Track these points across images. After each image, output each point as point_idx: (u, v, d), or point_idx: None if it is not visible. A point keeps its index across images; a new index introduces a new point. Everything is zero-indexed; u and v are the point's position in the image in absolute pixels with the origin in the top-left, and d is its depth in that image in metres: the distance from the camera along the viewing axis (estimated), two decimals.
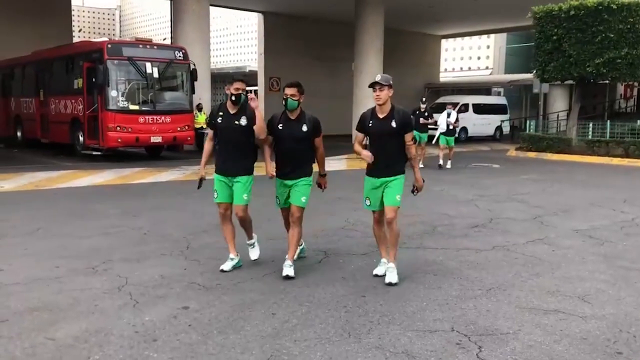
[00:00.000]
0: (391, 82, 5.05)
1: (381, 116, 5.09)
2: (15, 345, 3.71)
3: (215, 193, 5.48)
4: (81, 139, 15.98)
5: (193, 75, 16.29)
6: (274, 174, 5.37)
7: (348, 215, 8.28)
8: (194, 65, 16.38)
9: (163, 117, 15.62)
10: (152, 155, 17.07)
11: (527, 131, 21.88)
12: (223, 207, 5.51)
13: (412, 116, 14.15)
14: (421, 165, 13.64)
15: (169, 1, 19.99)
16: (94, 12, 68.09)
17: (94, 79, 15.00)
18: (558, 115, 28.07)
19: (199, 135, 18.30)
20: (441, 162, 15.40)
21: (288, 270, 5.23)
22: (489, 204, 9.58)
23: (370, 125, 5.14)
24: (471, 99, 27.50)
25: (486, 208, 9.21)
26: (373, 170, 5.18)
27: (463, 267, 5.72)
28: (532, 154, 19.67)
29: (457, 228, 7.66)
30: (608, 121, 21.40)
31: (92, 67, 15.19)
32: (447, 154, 15.51)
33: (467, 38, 41.03)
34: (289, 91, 5.22)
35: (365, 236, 6.97)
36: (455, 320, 4.27)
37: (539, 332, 4.06)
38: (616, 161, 17.58)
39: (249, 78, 39.00)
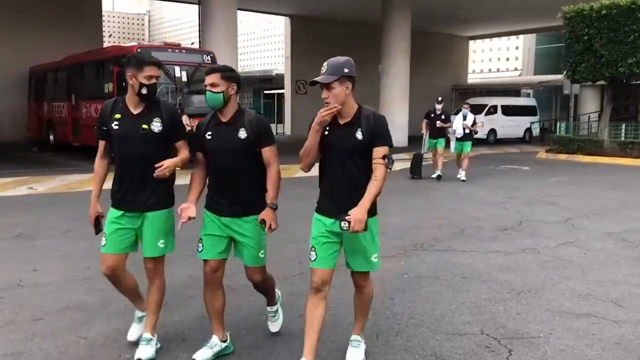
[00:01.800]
0: (348, 70, 3.21)
1: (342, 121, 3.29)
2: (49, 343, 3.78)
3: (104, 240, 3.64)
4: None
5: None
6: (191, 216, 3.47)
7: None
8: None
9: (192, 120, 15.74)
10: None
11: (558, 133, 21.57)
12: (112, 261, 3.62)
13: (426, 119, 12.87)
14: (438, 172, 13.02)
15: (197, 6, 20.16)
16: (123, 17, 69.17)
17: (124, 83, 15.19)
18: (589, 116, 27.55)
19: None
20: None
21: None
22: (519, 206, 9.45)
23: (325, 134, 3.29)
24: (500, 101, 27.19)
25: (515, 210, 9.08)
26: (326, 204, 3.35)
27: (492, 270, 5.65)
28: (562, 156, 19.35)
29: (486, 230, 7.57)
30: None
31: (122, 71, 15.40)
32: (459, 160, 13.25)
33: (495, 39, 40.56)
34: (207, 79, 3.46)
35: (392, 238, 6.94)
36: (484, 323, 4.22)
37: (570, 336, 3.99)
38: None
39: (276, 81, 38.99)
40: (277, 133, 30.87)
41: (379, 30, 23.72)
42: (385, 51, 23.38)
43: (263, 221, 3.47)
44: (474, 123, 13.14)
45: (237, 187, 3.53)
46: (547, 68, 37.05)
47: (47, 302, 4.59)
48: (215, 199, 3.57)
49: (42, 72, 20.61)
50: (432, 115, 13.04)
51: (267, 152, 3.54)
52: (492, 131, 25.95)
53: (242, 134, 3.47)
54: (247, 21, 50.49)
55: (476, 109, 26.10)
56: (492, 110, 26.08)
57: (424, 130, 13.46)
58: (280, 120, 32.06)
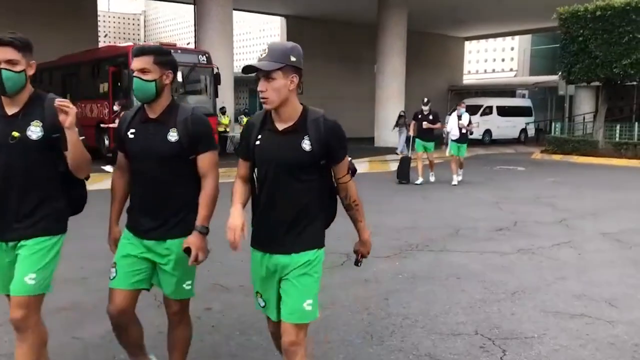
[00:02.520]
0: (295, 59, 2.48)
1: (281, 126, 2.53)
2: None
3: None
4: (107, 142, 16.20)
5: (216, 79, 16.44)
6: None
7: (371, 218, 8.22)
8: (218, 69, 16.52)
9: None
10: None
11: (553, 134, 21.63)
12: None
13: (414, 120, 12.19)
14: (432, 179, 12.49)
15: (193, 6, 20.15)
16: (119, 17, 69.04)
17: (119, 83, 15.21)
18: (584, 117, 27.66)
19: (223, 138, 18.46)
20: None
21: None
22: (514, 207, 9.47)
23: (257, 144, 2.56)
24: (495, 101, 27.27)
25: (510, 211, 9.11)
26: (260, 235, 2.63)
27: (487, 270, 5.67)
28: (557, 157, 19.42)
29: (481, 231, 7.59)
30: (636, 123, 21.04)
31: (117, 71, 15.41)
32: (455, 164, 12.40)
33: (491, 40, 40.70)
34: (137, 63, 2.71)
35: (388, 239, 6.95)
36: (479, 323, 4.23)
37: (564, 337, 4.00)
38: None
39: None
40: None
41: (374, 30, 23.76)
42: (380, 51, 23.42)
43: (187, 249, 2.71)
44: (470, 123, 12.37)
45: (164, 203, 2.79)
46: (542, 69, 37.19)
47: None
48: (136, 216, 2.86)
49: (37, 72, 20.37)
50: (420, 116, 12.34)
51: (203, 161, 2.78)
52: (488, 132, 26.02)
53: (173, 135, 2.72)
54: (243, 21, 50.45)
55: (472, 110, 26.13)
56: (488, 110, 26.16)
57: (411, 132, 12.76)
58: None
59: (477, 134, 25.38)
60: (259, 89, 2.47)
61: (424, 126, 12.10)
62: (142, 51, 2.73)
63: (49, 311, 4.36)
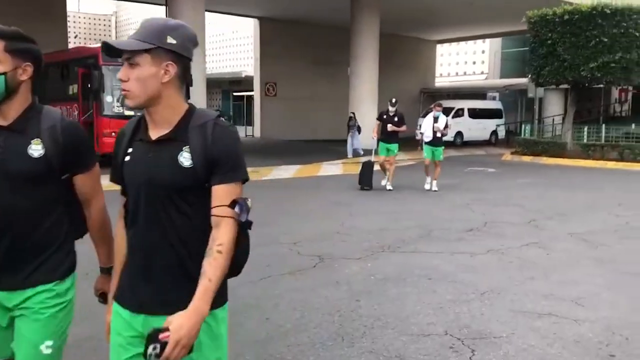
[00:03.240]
0: (175, 40, 1.78)
1: (155, 134, 1.83)
2: None
3: None
4: None
5: (188, 81, 16.30)
6: None
7: (344, 220, 8.28)
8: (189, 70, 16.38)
9: None
10: None
11: (523, 135, 21.97)
12: None
13: (378, 121, 11.61)
14: (389, 188, 11.57)
15: (164, 7, 19.98)
16: (90, 18, 68.10)
17: (89, 85, 15.00)
18: (553, 119, 28.17)
19: None
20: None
21: None
22: (485, 208, 9.59)
23: (126, 160, 1.90)
24: (467, 104, 27.60)
25: (481, 212, 9.22)
26: (126, 288, 1.89)
27: (458, 271, 5.72)
28: (527, 158, 19.73)
29: (453, 232, 7.67)
30: (603, 125, 21.53)
31: (87, 72, 15.19)
32: (432, 169, 11.58)
33: (462, 43, 41.16)
34: None
35: (360, 240, 6.98)
36: (449, 324, 4.27)
37: (532, 336, 4.07)
38: (611, 165, 17.63)
39: (245, 83, 38.95)
40: (246, 135, 30.77)
41: (348, 32, 23.84)
42: (354, 54, 23.50)
43: (103, 294, 2.20)
44: (446, 126, 11.60)
45: (21, 241, 2.01)
46: (512, 71, 37.73)
47: None
48: None
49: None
50: (385, 116, 11.50)
51: (83, 182, 2.14)
52: (459, 134, 26.32)
53: (36, 149, 1.99)
54: (216, 23, 50.21)
55: (444, 112, 26.50)
56: (459, 113, 26.45)
57: (374, 134, 11.98)
58: (250, 123, 31.94)
59: (449, 135, 25.68)
60: (118, 76, 1.79)
61: (389, 128, 11.32)
62: None
63: None
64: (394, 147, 11.52)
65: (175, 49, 1.78)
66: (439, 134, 11.44)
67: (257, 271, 5.59)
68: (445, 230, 7.75)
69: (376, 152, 11.98)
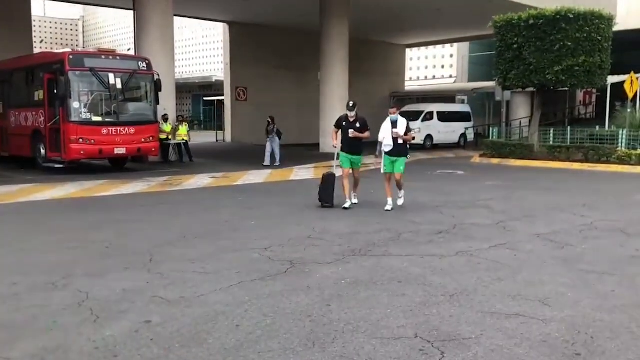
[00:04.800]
0: None
1: None
2: None
3: None
4: (43, 151, 15.64)
5: (157, 86, 16.15)
6: None
7: (314, 224, 8.28)
8: (159, 75, 16.23)
9: (127, 129, 15.41)
10: (116, 167, 16.80)
11: (491, 138, 22.27)
12: None
13: (336, 128, 9.99)
14: (355, 201, 10.21)
15: (133, 11, 19.74)
16: (56, 23, 66.96)
17: (55, 91, 14.72)
18: (520, 122, 28.65)
19: (164, 146, 18.19)
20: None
21: None
22: (454, 210, 9.70)
23: None
24: (436, 107, 27.87)
25: (451, 214, 9.32)
26: None
27: (427, 274, 5.77)
28: (495, 161, 20.02)
29: (422, 234, 7.73)
30: (568, 127, 22.01)
31: (53, 78, 14.91)
32: (389, 184, 9.87)
33: (431, 47, 41.62)
34: None
35: (331, 245, 6.99)
36: (418, 326, 4.30)
37: (500, 336, 4.12)
38: (576, 166, 18.00)
39: (216, 88, 38.73)
40: (217, 140, 30.58)
41: (318, 37, 23.91)
42: (323, 59, 23.58)
43: None
44: (408, 130, 9.79)
45: None
46: (480, 75, 38.29)
47: None
48: None
49: None
50: (344, 123, 9.95)
51: None
52: (429, 136, 26.57)
53: None
54: (186, 27, 49.87)
55: (413, 115, 26.73)
56: (429, 116, 26.71)
57: (334, 142, 10.32)
58: (221, 127, 31.76)
59: (418, 139, 25.94)
60: None
61: (351, 135, 9.79)
62: None
63: None
64: (358, 159, 10.10)
65: None
66: (400, 141, 9.63)
67: (227, 277, 5.56)
68: (415, 233, 7.81)
69: (340, 164, 10.12)
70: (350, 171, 10.04)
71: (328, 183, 10.05)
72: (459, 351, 3.86)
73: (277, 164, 17.79)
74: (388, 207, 9.68)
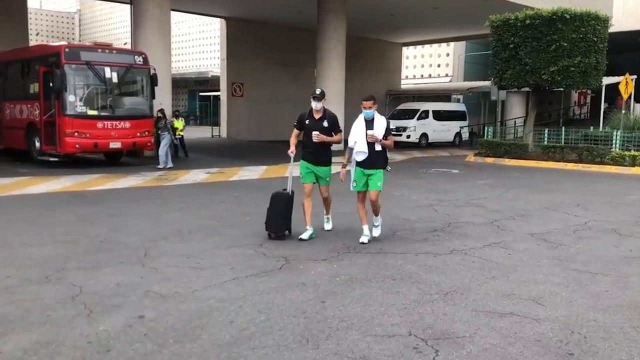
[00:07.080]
0: None
1: None
2: None
3: None
4: (38, 145, 15.57)
5: (153, 80, 16.09)
6: None
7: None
8: (155, 70, 16.18)
9: (122, 123, 15.35)
10: (111, 161, 16.74)
11: (485, 137, 22.31)
12: None
13: (297, 130, 7.20)
14: (327, 227, 7.71)
15: (130, 5, 19.65)
16: (52, 16, 66.56)
17: (51, 84, 14.65)
18: (515, 121, 28.71)
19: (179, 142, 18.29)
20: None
21: None
22: (448, 209, 9.72)
23: None
24: (431, 106, 27.89)
25: (445, 212, 9.34)
26: None
27: (421, 271, 5.78)
28: (490, 160, 20.06)
29: (417, 232, 7.74)
30: (563, 127, 22.08)
31: (48, 71, 14.84)
32: (362, 205, 7.12)
33: (427, 46, 41.63)
34: None
35: (325, 241, 6.99)
36: (413, 324, 4.31)
37: (494, 335, 4.13)
38: (570, 166, 18.06)
39: (212, 83, 38.71)
40: (212, 136, 30.51)
41: (314, 34, 23.87)
42: (320, 55, 23.54)
43: None
44: (389, 133, 6.95)
45: None
46: (476, 74, 38.36)
47: None
48: None
49: None
50: (307, 121, 7.24)
51: None
52: (424, 135, 26.61)
53: None
54: (183, 22, 49.69)
55: (409, 114, 26.81)
56: (424, 115, 26.73)
57: (292, 149, 7.32)
58: (216, 123, 31.69)
59: (414, 137, 25.99)
60: None
61: (314, 138, 7.07)
62: None
63: None
64: (325, 171, 7.34)
65: None
66: (377, 147, 6.87)
67: (222, 273, 5.56)
68: (410, 231, 7.82)
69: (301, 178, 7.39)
70: (312, 188, 7.37)
71: (276, 205, 7.16)
72: (453, 349, 3.87)
73: (171, 166, 15.41)
74: (363, 239, 6.96)
